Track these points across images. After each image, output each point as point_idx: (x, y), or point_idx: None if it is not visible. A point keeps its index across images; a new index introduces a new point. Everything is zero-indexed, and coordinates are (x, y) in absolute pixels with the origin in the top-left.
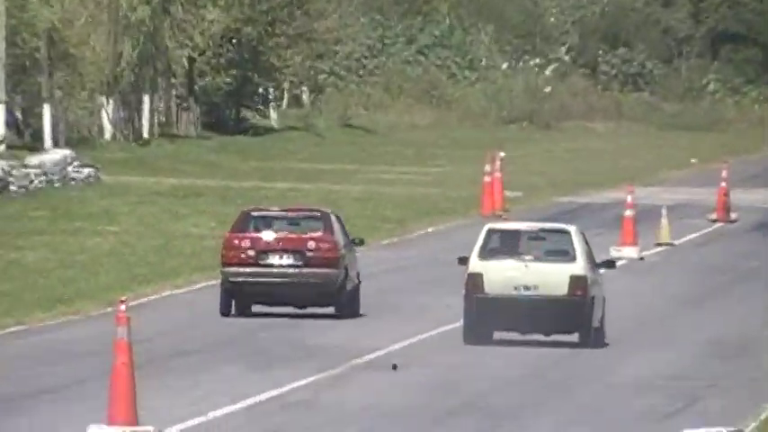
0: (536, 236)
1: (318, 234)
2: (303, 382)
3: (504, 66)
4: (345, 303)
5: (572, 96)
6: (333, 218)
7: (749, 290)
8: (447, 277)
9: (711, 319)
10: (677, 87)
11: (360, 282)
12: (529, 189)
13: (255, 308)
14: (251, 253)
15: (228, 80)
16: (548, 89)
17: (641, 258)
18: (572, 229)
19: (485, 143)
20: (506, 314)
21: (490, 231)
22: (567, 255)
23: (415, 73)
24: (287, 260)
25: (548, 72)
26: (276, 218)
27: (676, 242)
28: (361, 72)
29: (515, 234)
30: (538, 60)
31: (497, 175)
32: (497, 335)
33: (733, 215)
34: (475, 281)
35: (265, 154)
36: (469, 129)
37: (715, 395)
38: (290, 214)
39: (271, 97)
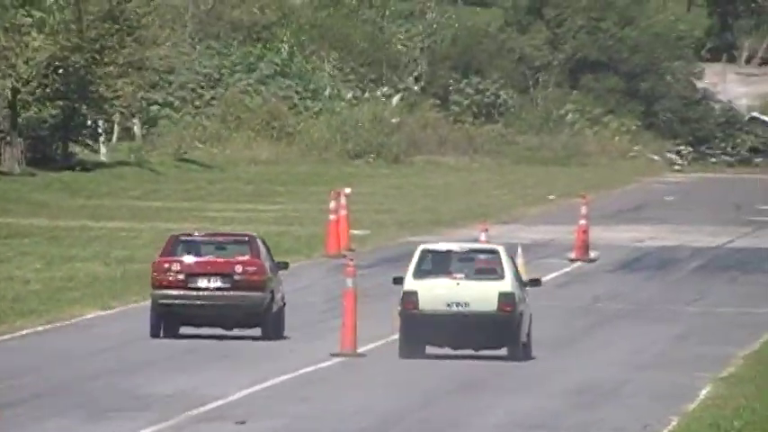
0: (466, 256)
1: (245, 258)
2: None
3: (350, 95)
4: (271, 325)
5: (422, 128)
6: (259, 242)
7: (613, 333)
8: (290, 321)
9: (575, 365)
10: (533, 119)
11: (284, 303)
12: (377, 227)
13: (184, 330)
14: (180, 276)
15: (55, 112)
16: (396, 120)
17: None
18: (500, 249)
19: (329, 178)
20: (439, 329)
21: (424, 252)
22: (495, 273)
23: (254, 104)
24: (215, 283)
25: (395, 102)
26: (204, 242)
27: None
28: (197, 103)
29: (447, 254)
30: (385, 90)
31: (343, 212)
32: (430, 350)
33: (592, 254)
34: (409, 298)
35: (95, 191)
36: (313, 163)
37: None
38: (218, 239)
39: (100, 130)
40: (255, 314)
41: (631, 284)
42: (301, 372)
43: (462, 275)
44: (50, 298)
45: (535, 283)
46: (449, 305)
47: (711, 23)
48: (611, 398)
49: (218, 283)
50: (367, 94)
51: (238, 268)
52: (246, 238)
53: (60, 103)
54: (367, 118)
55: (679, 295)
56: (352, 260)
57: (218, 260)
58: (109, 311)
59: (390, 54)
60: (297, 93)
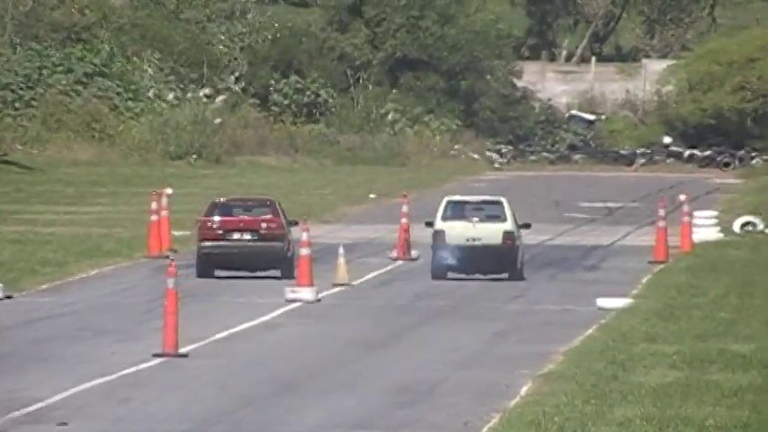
0: (478, 206)
1: (268, 216)
2: None
3: (171, 96)
4: (287, 267)
5: (243, 129)
6: (277, 204)
7: (432, 331)
8: (112, 323)
9: (395, 363)
10: (354, 118)
11: (294, 252)
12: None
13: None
14: (219, 231)
15: None
16: (218, 121)
17: (318, 300)
18: (503, 200)
19: (151, 180)
20: (460, 257)
21: (448, 202)
22: (499, 217)
23: (74, 105)
24: (246, 236)
25: (217, 102)
26: (235, 205)
27: (355, 282)
28: (17, 104)
29: (464, 204)
30: (207, 91)
31: (164, 213)
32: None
33: (414, 252)
34: (439, 235)
35: None
36: (135, 164)
37: None
38: (246, 203)
39: None
40: (276, 259)
41: (451, 283)
42: (122, 373)
43: (476, 219)
44: None
45: (526, 226)
46: (467, 240)
47: (531, 22)
48: (430, 396)
49: (248, 236)
50: (189, 95)
51: (263, 224)
52: (268, 202)
53: None
54: (188, 119)
55: (499, 293)
56: (173, 261)
57: (248, 218)
58: None
59: (211, 54)
60: (117, 94)
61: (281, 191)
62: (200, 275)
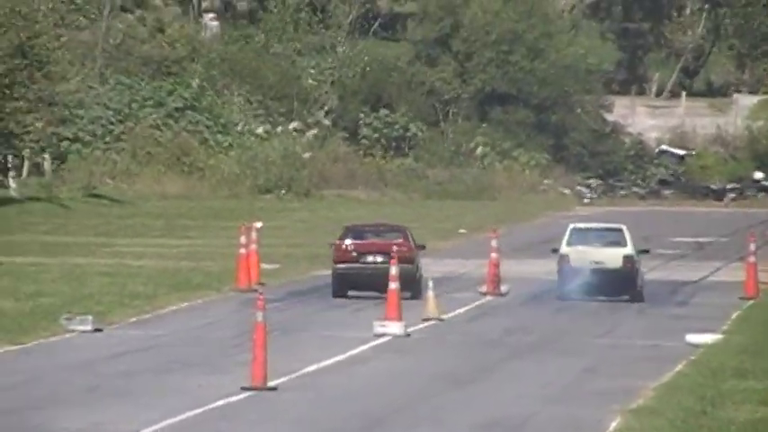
0: (600, 232)
1: (399, 240)
2: None
3: (260, 130)
4: (417, 289)
5: (332, 162)
6: (407, 231)
7: (522, 366)
8: (201, 355)
9: (484, 398)
10: (443, 152)
11: (422, 275)
12: (287, 261)
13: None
14: (353, 254)
15: None
16: (307, 155)
17: (408, 335)
18: (623, 227)
19: (240, 213)
20: (584, 280)
21: (572, 229)
22: (620, 243)
23: (165, 138)
24: (378, 258)
25: (307, 137)
26: (368, 231)
27: (444, 317)
28: (107, 138)
29: (588, 230)
30: (296, 124)
31: (253, 247)
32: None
33: (503, 287)
34: (564, 259)
35: (5, 226)
36: (224, 198)
37: None
38: (378, 228)
39: (10, 165)
40: (406, 281)
41: (541, 317)
42: (211, 406)
43: (599, 244)
44: None
45: (645, 252)
46: (590, 263)
47: (621, 56)
48: (521, 431)
49: (381, 258)
50: (278, 129)
51: (395, 248)
52: (399, 228)
53: None
54: (278, 152)
55: (588, 328)
56: (262, 294)
57: (380, 242)
58: (18, 346)
59: (301, 88)
60: (207, 127)
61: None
62: (335, 295)
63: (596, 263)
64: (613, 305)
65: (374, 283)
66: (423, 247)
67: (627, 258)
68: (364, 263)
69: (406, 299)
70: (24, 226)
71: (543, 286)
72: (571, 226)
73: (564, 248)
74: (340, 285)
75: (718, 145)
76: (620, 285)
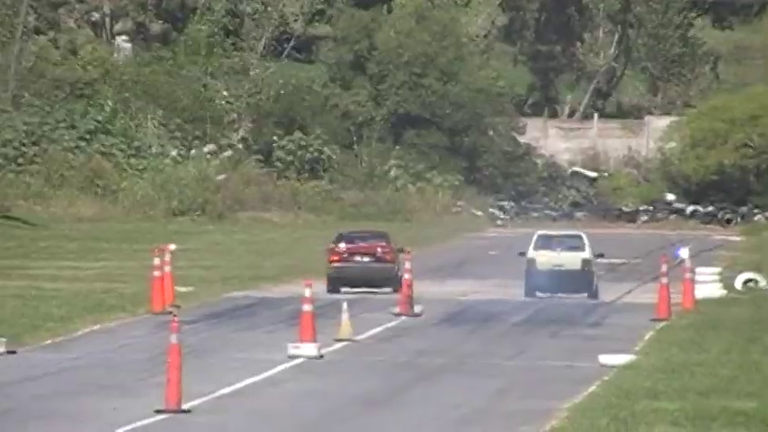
0: (561, 238)
1: (383, 244)
2: None
3: (174, 153)
4: (397, 285)
5: (246, 185)
6: (388, 235)
7: (435, 387)
8: (115, 378)
9: (397, 420)
10: (357, 174)
11: (401, 273)
12: (201, 284)
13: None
14: (345, 254)
15: None
16: (221, 177)
17: (321, 356)
18: (583, 234)
19: (154, 236)
20: (547, 280)
21: (539, 236)
22: (579, 248)
23: (78, 161)
24: (366, 259)
25: (220, 159)
26: (355, 236)
27: (358, 338)
28: (20, 160)
29: (551, 237)
30: (210, 147)
31: (167, 269)
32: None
33: (417, 308)
34: (531, 262)
35: None
36: (138, 220)
37: None
38: (364, 234)
39: None
40: (389, 278)
41: (454, 338)
42: (124, 428)
43: (560, 249)
44: None
45: (600, 255)
46: (553, 266)
47: (533, 79)
48: None
49: (367, 259)
50: (192, 152)
51: (379, 250)
52: (382, 233)
53: None
54: (191, 175)
55: (501, 349)
56: (176, 316)
57: (366, 245)
58: None
59: (214, 111)
60: (120, 150)
61: (283, 246)
62: (329, 292)
63: (558, 265)
64: (527, 327)
65: (363, 280)
66: (401, 251)
67: (585, 261)
68: (354, 262)
69: (388, 293)
70: None
71: (456, 307)
72: (537, 233)
73: (531, 252)
74: (333, 282)
75: (631, 167)
76: (578, 284)
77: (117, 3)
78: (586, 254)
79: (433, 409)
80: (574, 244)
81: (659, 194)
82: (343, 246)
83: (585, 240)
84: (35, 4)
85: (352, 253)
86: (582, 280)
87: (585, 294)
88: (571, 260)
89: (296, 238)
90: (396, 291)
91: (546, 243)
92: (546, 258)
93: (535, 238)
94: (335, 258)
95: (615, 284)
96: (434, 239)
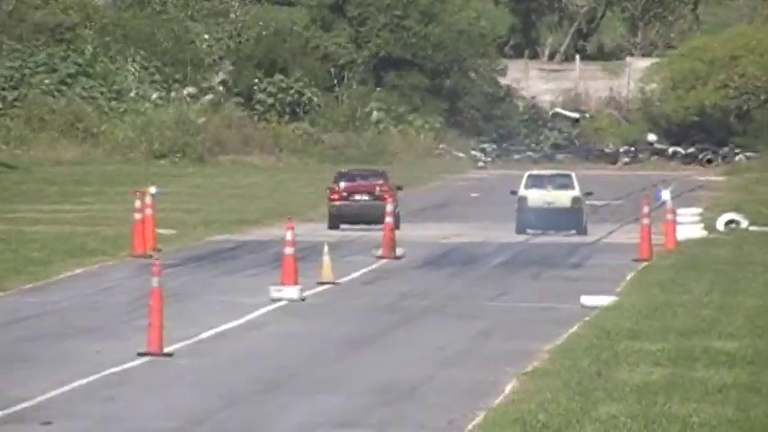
0: (552, 177)
1: (381, 182)
2: None
3: (155, 96)
4: (396, 222)
5: (227, 128)
6: (386, 173)
7: (417, 330)
8: (97, 322)
9: (380, 362)
10: (338, 117)
11: (400, 211)
12: (182, 227)
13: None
14: (344, 193)
15: None
16: (201, 120)
17: (303, 299)
18: (572, 174)
19: (135, 179)
20: (538, 217)
21: (529, 176)
22: (569, 186)
23: (58, 105)
24: (365, 197)
25: (201, 102)
26: (355, 174)
27: (340, 281)
28: (0, 105)
29: (542, 176)
30: (191, 90)
31: (148, 212)
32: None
33: (399, 251)
34: (522, 200)
35: None
36: (118, 163)
37: None
38: (363, 172)
39: None
40: (385, 215)
41: (437, 281)
42: (107, 372)
43: (551, 187)
44: None
45: (589, 193)
46: (544, 203)
47: (515, 20)
48: (415, 394)
49: (366, 197)
50: (173, 95)
51: (377, 188)
52: (380, 171)
53: None
54: (172, 118)
55: (483, 291)
56: (157, 259)
57: (366, 183)
58: None
59: (195, 54)
60: (101, 93)
61: (264, 190)
62: (330, 228)
63: (549, 203)
64: (509, 269)
65: (361, 217)
66: (400, 188)
67: (575, 199)
68: (353, 200)
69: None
70: None
71: (438, 250)
72: (527, 173)
73: (522, 191)
74: (334, 219)
75: (612, 108)
76: (568, 221)
77: None
78: (576, 192)
79: (416, 351)
80: (564, 182)
81: (640, 135)
82: (342, 184)
83: (575, 179)
84: None
85: (350, 192)
86: (572, 217)
87: (575, 231)
88: (562, 198)
89: (277, 181)
90: (397, 227)
91: (537, 182)
92: (537, 196)
93: (526, 177)
94: (335, 197)
95: (598, 225)
96: (415, 182)
